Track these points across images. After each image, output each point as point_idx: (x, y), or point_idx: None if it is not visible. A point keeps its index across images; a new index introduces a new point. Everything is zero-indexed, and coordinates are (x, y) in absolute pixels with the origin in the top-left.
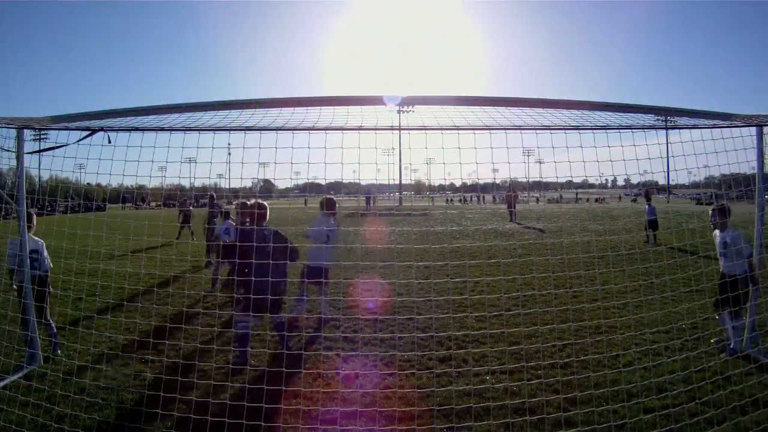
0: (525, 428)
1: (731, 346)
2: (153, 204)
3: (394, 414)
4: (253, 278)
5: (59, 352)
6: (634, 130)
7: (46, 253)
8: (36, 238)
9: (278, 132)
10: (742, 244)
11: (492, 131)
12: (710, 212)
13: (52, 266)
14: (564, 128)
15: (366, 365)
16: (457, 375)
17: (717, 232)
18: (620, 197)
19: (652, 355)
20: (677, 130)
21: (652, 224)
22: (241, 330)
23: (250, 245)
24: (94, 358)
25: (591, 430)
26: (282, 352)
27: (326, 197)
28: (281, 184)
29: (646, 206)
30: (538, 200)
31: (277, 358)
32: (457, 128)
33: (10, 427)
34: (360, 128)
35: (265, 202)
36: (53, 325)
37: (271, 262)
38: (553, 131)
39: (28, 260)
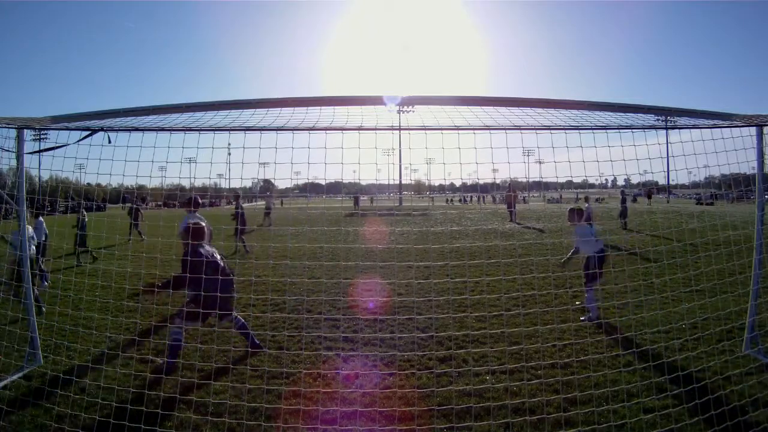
0: (525, 428)
1: (590, 315)
2: (153, 204)
3: (394, 414)
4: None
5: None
6: (634, 130)
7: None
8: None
9: (278, 132)
10: (588, 234)
11: (492, 131)
12: (567, 212)
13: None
14: (564, 128)
15: (366, 365)
16: (457, 375)
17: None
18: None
19: (652, 355)
20: (677, 130)
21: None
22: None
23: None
24: (94, 358)
25: (591, 430)
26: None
27: (192, 195)
28: (281, 184)
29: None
30: (525, 200)
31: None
32: (457, 128)
33: (10, 427)
34: (360, 128)
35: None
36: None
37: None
38: (553, 131)
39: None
